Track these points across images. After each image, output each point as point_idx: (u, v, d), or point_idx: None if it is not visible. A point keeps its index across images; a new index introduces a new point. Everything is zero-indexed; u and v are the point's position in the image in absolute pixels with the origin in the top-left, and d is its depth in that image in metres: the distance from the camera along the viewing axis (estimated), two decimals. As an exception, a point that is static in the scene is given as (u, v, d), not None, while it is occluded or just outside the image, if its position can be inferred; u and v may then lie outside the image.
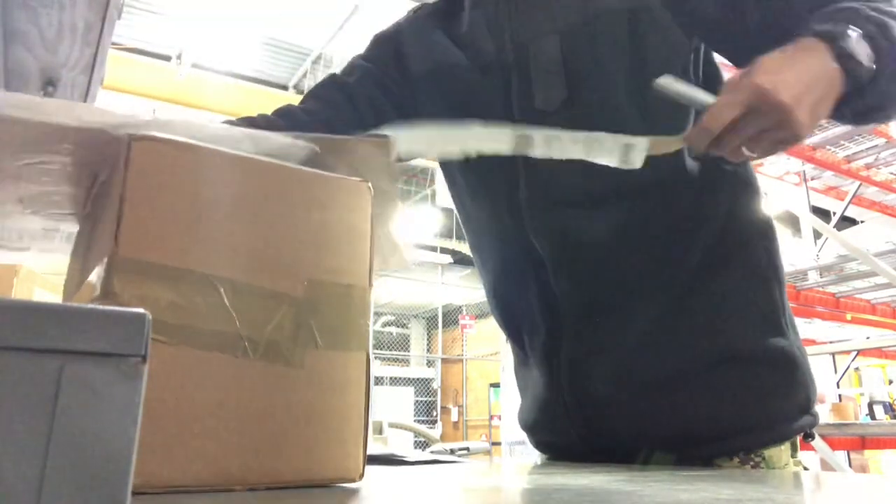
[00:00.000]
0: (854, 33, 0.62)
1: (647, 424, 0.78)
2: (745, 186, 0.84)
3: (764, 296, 0.79)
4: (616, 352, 0.80)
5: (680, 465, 0.75)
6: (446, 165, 0.99)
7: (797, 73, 0.60)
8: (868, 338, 5.93)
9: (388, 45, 0.97)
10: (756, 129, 0.60)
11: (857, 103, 0.64)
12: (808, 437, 0.80)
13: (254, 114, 0.89)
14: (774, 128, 0.60)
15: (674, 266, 0.79)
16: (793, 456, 0.77)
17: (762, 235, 0.82)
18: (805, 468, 0.82)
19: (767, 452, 0.75)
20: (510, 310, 0.93)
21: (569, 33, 0.79)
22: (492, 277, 0.95)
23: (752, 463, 0.74)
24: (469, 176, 0.94)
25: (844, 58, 0.61)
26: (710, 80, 0.82)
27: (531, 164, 0.84)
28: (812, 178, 6.13)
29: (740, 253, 0.79)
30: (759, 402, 0.75)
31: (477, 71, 0.86)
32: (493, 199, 0.89)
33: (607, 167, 0.78)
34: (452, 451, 5.54)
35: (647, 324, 0.78)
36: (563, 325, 0.83)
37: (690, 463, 0.75)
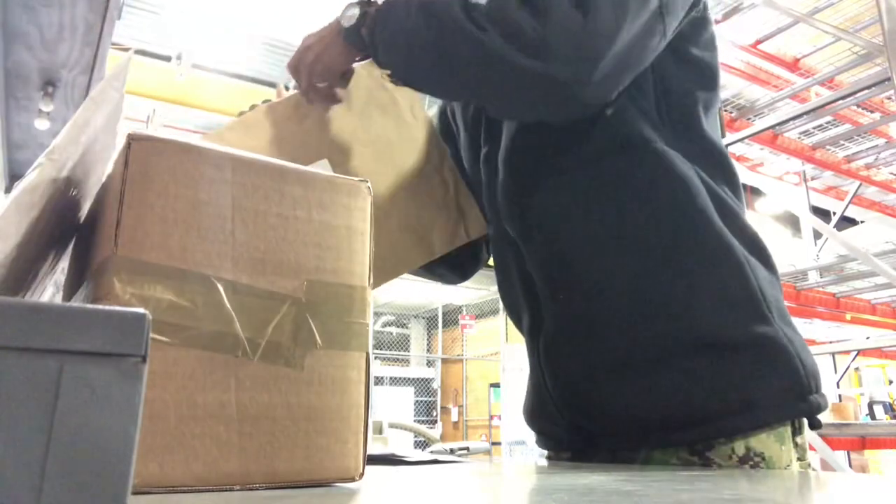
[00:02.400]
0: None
1: (623, 406, 0.78)
2: (718, 168, 0.84)
3: (738, 282, 0.78)
4: (586, 331, 0.82)
5: (661, 448, 0.76)
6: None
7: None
8: (868, 338, 5.92)
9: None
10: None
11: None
12: (813, 425, 0.78)
13: None
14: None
15: (639, 242, 0.80)
16: (800, 458, 0.77)
17: (733, 221, 0.81)
18: (812, 469, 0.81)
19: (768, 453, 0.74)
20: (505, 293, 0.97)
21: None
22: (495, 262, 1.00)
23: (751, 463, 0.74)
24: (466, 171, 1.01)
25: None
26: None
27: (509, 154, 0.88)
28: (812, 178, 6.12)
29: (709, 235, 0.78)
30: (736, 386, 0.75)
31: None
32: (479, 189, 0.98)
33: (571, 138, 0.82)
34: (452, 451, 5.53)
35: (615, 304, 0.80)
36: (541, 305, 0.86)
37: (671, 448, 0.75)
